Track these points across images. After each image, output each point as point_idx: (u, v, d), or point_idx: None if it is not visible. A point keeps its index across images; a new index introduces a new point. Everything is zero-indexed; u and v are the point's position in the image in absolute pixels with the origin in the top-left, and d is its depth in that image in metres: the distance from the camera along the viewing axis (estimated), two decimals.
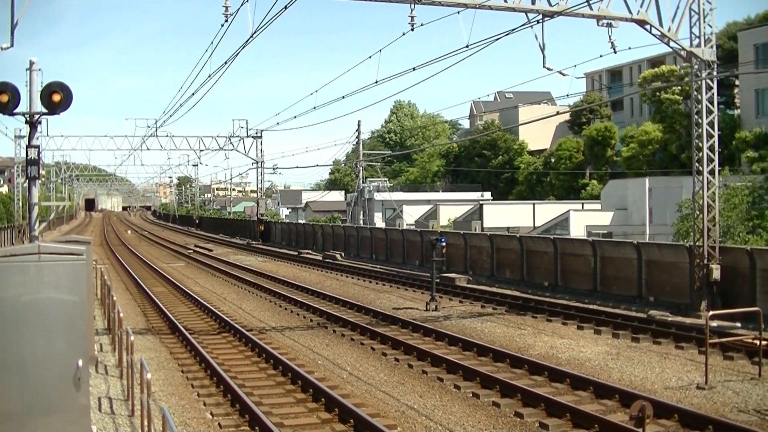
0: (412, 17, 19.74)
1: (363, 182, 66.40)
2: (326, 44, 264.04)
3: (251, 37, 22.10)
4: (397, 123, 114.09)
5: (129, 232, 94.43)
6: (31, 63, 20.43)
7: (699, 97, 22.64)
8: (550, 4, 20.48)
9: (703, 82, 22.44)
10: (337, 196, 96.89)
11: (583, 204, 57.39)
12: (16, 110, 18.03)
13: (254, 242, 66.84)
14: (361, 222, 60.70)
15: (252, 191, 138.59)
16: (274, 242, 66.81)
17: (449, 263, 34.54)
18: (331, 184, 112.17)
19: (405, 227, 53.79)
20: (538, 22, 20.70)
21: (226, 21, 21.21)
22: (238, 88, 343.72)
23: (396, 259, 43.19)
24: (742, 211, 34.62)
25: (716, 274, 22.01)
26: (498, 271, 33.38)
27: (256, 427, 12.63)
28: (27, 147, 19.51)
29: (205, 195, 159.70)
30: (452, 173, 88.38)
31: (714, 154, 22.68)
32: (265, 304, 28.29)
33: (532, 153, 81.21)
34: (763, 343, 15.65)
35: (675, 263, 24.17)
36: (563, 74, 23.10)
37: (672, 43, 22.09)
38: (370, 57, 26.64)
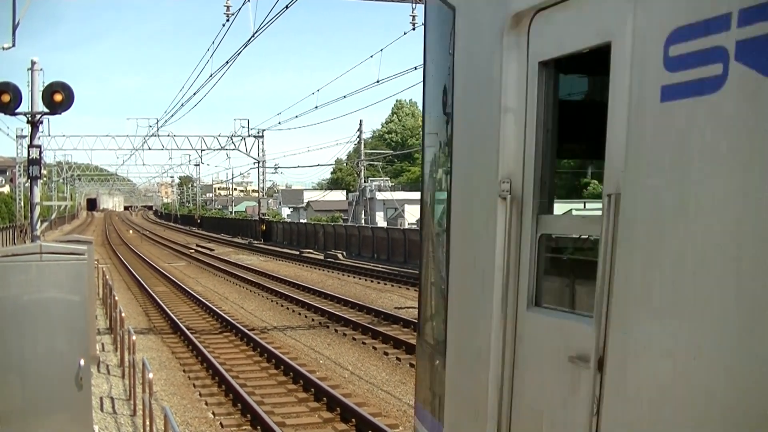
0: (414, 16, 19.79)
1: (364, 182, 66.45)
2: (327, 44, 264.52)
3: (252, 36, 22.13)
4: (399, 122, 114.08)
5: (131, 231, 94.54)
6: (33, 63, 20.46)
7: None
8: None
9: None
10: (339, 195, 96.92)
11: (584, 203, 57.24)
12: (17, 110, 18.07)
13: (256, 242, 66.89)
14: (363, 221, 60.73)
15: (253, 191, 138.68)
16: (276, 242, 66.86)
17: None
18: (333, 184, 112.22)
19: (407, 226, 53.81)
20: None
21: (228, 20, 21.23)
22: (240, 87, 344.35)
23: (398, 259, 43.20)
24: None
25: None
26: None
27: (258, 427, 12.63)
28: (29, 147, 19.57)
29: (207, 194, 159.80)
30: None
31: None
32: (266, 304, 28.31)
33: None
34: None
35: None
36: None
37: None
38: (371, 56, 26.68)
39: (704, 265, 2.61)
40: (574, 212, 3.86)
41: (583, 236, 3.35)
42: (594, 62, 3.31)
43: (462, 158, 4.17)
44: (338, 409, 13.44)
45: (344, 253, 48.22)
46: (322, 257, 47.71)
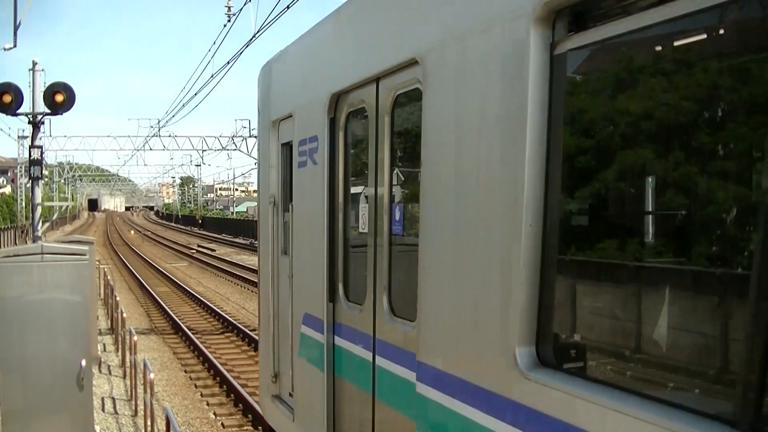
0: None
1: None
2: None
3: (254, 36, 22.11)
4: None
5: (132, 232, 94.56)
6: (34, 63, 20.47)
7: None
8: None
9: None
10: None
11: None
12: (19, 110, 18.07)
13: (257, 242, 66.76)
14: None
15: (255, 191, 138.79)
16: None
17: None
18: None
19: None
20: None
21: (229, 21, 21.24)
22: (241, 87, 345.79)
23: None
24: None
25: None
26: None
27: (260, 427, 12.63)
28: (30, 147, 19.58)
29: (208, 195, 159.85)
30: None
31: None
32: None
33: None
34: None
35: None
36: None
37: None
38: None
39: (307, 235, 6.68)
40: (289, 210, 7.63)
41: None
42: (291, 149, 7.27)
43: (261, 184, 8.43)
44: None
45: None
46: None
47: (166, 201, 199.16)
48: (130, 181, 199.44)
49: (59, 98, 17.67)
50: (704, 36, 2.99)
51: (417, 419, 4.66)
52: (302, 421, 7.06)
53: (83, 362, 9.72)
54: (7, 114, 17.87)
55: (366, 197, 5.70)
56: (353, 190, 6.12)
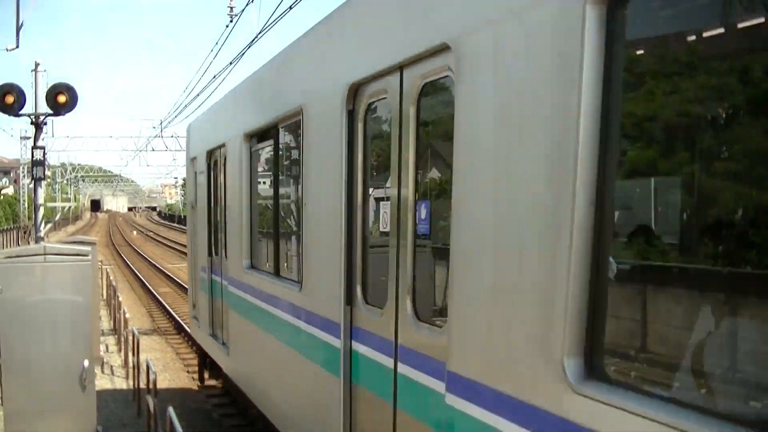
0: None
1: None
2: None
3: (256, 37, 22.09)
4: None
5: (134, 232, 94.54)
6: (37, 64, 20.48)
7: None
8: None
9: None
10: None
11: None
12: (21, 111, 18.06)
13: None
14: None
15: None
16: None
17: None
18: None
19: None
20: None
21: (231, 21, 21.22)
22: None
23: None
24: None
25: None
26: None
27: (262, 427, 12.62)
28: (32, 148, 19.58)
29: None
30: None
31: None
32: None
33: None
34: None
35: None
36: None
37: None
38: None
39: (200, 222, 13.11)
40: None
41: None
42: (196, 175, 13.59)
43: (186, 194, 16.01)
44: None
45: None
46: None
47: (169, 202, 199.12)
48: (132, 181, 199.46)
49: (62, 99, 17.69)
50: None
51: (228, 303, 10.75)
52: (201, 325, 13.10)
53: (86, 363, 9.73)
54: (9, 115, 17.88)
55: (220, 204, 11.42)
56: (218, 200, 11.65)
